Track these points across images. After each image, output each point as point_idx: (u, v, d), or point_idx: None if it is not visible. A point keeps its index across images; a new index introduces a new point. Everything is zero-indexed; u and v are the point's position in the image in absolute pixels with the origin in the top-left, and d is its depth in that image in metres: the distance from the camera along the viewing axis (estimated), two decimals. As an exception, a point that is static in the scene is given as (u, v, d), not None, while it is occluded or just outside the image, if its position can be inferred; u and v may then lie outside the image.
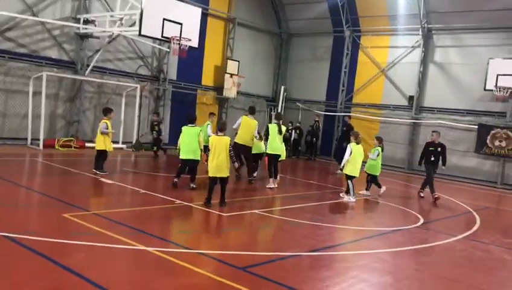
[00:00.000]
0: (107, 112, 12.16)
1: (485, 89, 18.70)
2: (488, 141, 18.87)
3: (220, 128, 9.42)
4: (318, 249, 7.05)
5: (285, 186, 12.82)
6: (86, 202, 8.78)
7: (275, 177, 12.38)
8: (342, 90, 23.43)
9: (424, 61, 21.00)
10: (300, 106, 24.30)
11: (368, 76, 22.80)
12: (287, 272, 5.98)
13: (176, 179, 10.86)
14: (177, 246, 6.56)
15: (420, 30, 20.68)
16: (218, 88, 22.18)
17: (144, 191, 10.08)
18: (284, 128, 12.46)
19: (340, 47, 23.55)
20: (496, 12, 18.67)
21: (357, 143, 11.77)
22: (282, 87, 24.41)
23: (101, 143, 11.72)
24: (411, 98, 21.26)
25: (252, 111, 13.32)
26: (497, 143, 18.70)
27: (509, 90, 18.02)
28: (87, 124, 17.55)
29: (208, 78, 22.07)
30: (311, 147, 22.83)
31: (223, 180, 9.27)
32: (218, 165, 9.07)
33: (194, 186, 10.79)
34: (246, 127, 12.79)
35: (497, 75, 18.14)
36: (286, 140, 23.24)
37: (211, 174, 9.22)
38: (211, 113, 15.61)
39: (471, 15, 19.35)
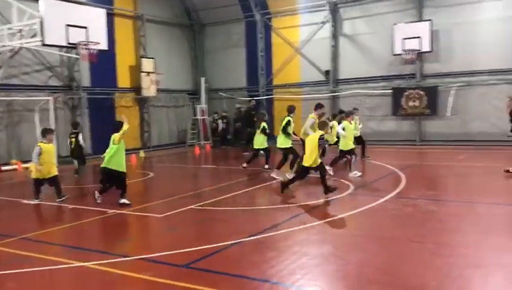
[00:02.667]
0: (45, 133, 10.24)
1: (393, 54, 19.68)
2: (403, 103, 19.95)
3: None
4: (258, 233, 7.12)
5: (219, 176, 12.79)
6: (12, 228, 8.24)
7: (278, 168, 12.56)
8: (261, 73, 23.66)
9: (335, 35, 21.64)
10: (223, 95, 24.29)
11: (284, 57, 23.17)
12: (231, 260, 6.00)
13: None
14: (115, 256, 6.37)
15: (327, 5, 21.29)
16: (137, 89, 21.62)
17: (72, 207, 9.66)
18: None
19: (253, 31, 23.70)
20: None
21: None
22: (202, 79, 24.22)
23: (35, 170, 10.01)
24: (327, 72, 21.89)
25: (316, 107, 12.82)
26: (411, 103, 19.81)
27: (416, 52, 19.10)
28: (1, 146, 16.48)
29: (124, 80, 21.41)
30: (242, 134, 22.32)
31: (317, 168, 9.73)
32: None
33: (97, 196, 9.74)
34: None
35: (403, 39, 19.14)
36: (214, 130, 23.51)
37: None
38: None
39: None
